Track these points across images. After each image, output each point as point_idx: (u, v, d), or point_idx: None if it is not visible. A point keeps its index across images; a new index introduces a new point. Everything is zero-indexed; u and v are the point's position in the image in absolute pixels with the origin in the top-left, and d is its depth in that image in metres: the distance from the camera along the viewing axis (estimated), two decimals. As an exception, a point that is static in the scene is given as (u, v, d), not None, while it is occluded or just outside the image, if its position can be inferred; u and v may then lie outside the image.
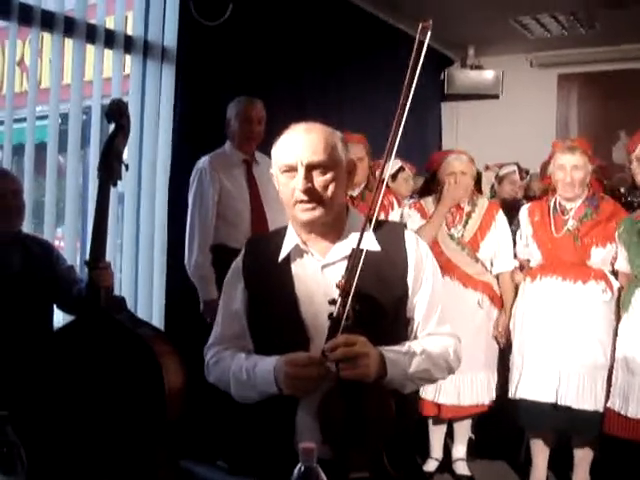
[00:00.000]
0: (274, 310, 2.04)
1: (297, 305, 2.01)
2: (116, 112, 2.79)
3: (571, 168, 3.67)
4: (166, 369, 2.59)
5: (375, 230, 2.03)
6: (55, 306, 3.25)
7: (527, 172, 5.52)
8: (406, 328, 2.09)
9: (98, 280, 2.72)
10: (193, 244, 3.99)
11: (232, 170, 4.09)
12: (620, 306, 3.58)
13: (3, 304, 2.92)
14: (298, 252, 2.05)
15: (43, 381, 2.65)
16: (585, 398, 3.58)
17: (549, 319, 3.66)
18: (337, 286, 1.83)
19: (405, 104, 1.91)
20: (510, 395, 3.76)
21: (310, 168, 1.93)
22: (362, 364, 1.80)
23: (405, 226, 2.26)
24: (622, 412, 3.43)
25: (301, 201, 1.94)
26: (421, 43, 1.94)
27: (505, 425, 4.08)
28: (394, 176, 4.98)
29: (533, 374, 3.67)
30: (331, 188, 1.95)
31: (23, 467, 1.65)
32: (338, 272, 1.92)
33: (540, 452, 3.84)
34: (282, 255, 2.05)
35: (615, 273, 3.70)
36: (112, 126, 2.79)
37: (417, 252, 2.07)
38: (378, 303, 1.94)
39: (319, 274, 2.01)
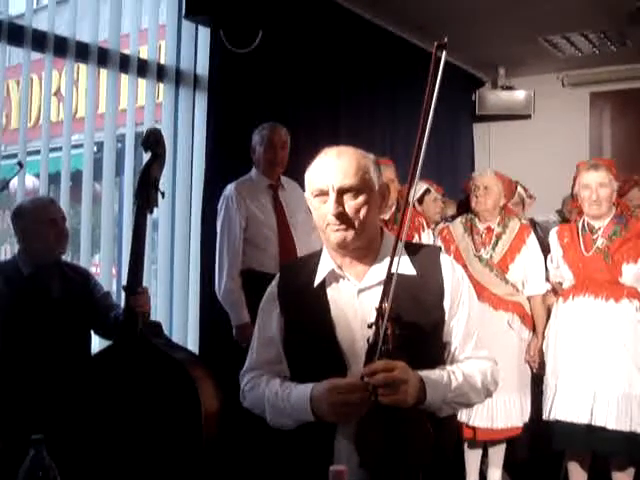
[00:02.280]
0: (310, 336, 2.03)
1: (334, 330, 1.99)
2: (152, 141, 2.86)
3: (596, 186, 3.67)
4: (202, 393, 2.61)
5: (410, 254, 2.03)
6: (92, 331, 3.30)
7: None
8: (443, 352, 2.07)
9: (136, 305, 2.77)
10: (222, 270, 4.02)
11: (258, 196, 4.12)
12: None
13: (43, 328, 2.97)
14: (333, 277, 2.04)
15: (81, 405, 2.68)
16: (620, 419, 3.53)
17: (582, 339, 3.63)
18: (377, 310, 1.82)
19: (425, 125, 1.90)
20: (544, 416, 3.72)
21: (341, 192, 1.93)
22: (401, 390, 1.79)
23: (440, 249, 2.25)
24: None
25: (333, 223, 1.95)
26: (438, 60, 1.91)
27: (542, 449, 4.03)
28: (421, 199, 4.97)
29: (567, 395, 3.63)
30: (363, 211, 1.95)
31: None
32: (374, 296, 1.92)
33: (578, 476, 3.78)
34: (317, 280, 2.05)
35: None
36: (148, 154, 2.84)
37: (453, 276, 2.06)
38: (416, 327, 1.91)
39: (355, 299, 2.00)
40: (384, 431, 1.82)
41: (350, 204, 1.94)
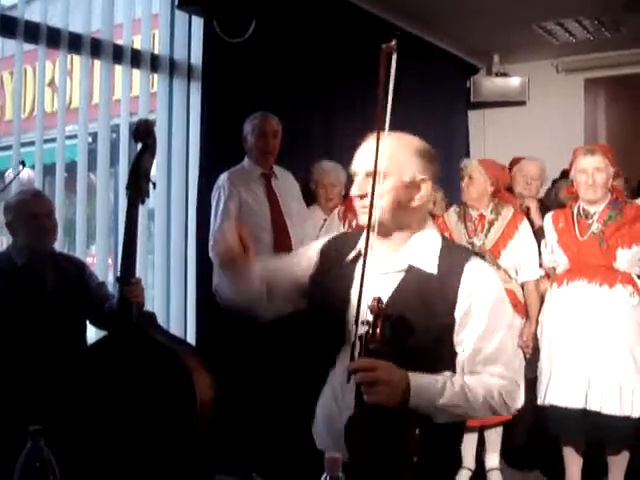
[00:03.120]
0: (324, 303, 2.06)
1: (346, 306, 1.99)
2: (142, 132, 2.87)
3: (593, 170, 3.68)
4: (198, 383, 2.63)
5: (443, 251, 2.00)
6: (88, 322, 3.32)
7: None
8: (453, 359, 2.00)
9: (130, 296, 2.79)
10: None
11: (251, 185, 4.15)
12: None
13: (38, 319, 2.99)
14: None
15: (77, 395, 2.70)
16: (615, 404, 3.55)
17: (576, 323, 3.65)
18: (369, 307, 1.78)
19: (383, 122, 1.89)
20: (539, 401, 3.74)
21: (368, 175, 1.93)
22: (380, 391, 1.75)
23: (473, 255, 2.10)
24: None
25: (358, 204, 2.01)
26: (389, 63, 1.94)
27: (539, 435, 4.06)
28: None
29: (562, 380, 3.65)
30: (387, 197, 1.96)
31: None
32: (392, 283, 1.94)
33: (573, 461, 3.81)
34: (352, 254, 2.08)
35: (641, 277, 3.68)
36: (139, 145, 2.86)
37: (472, 288, 1.96)
38: (418, 327, 1.88)
39: (373, 282, 1.94)
40: (371, 430, 1.79)
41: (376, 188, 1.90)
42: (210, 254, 3.97)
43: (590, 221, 3.74)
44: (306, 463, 2.03)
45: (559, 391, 3.66)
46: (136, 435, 2.58)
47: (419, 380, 1.85)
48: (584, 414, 3.60)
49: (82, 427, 2.63)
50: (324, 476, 1.47)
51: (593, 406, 3.57)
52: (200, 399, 2.60)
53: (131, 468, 2.55)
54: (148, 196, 2.91)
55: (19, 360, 2.92)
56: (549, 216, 3.95)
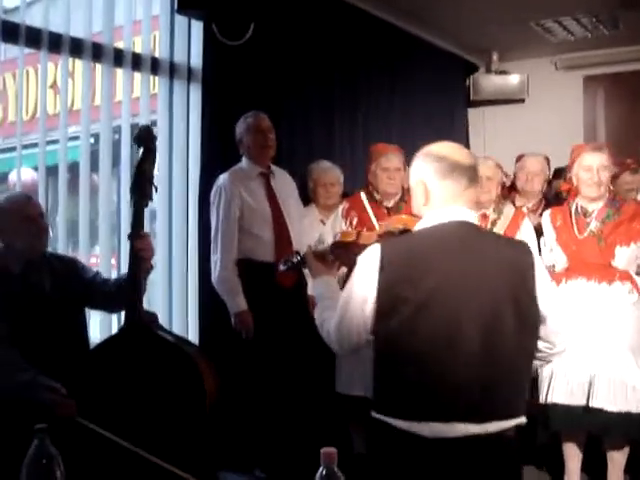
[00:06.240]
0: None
1: None
2: (144, 137, 2.90)
3: (598, 168, 3.68)
4: (206, 382, 2.69)
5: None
6: (92, 309, 3.36)
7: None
8: None
9: (139, 248, 2.89)
10: (217, 259, 4.05)
11: (251, 184, 4.16)
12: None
13: (39, 324, 2.96)
14: None
15: (83, 394, 2.74)
16: (617, 400, 3.56)
17: (577, 321, 3.65)
18: None
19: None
20: (541, 399, 3.75)
21: None
22: None
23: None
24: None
25: None
26: None
27: (536, 431, 4.07)
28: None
29: (564, 377, 3.66)
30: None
31: (63, 478, 1.73)
32: None
33: (573, 456, 3.82)
34: None
35: (640, 274, 3.71)
36: (140, 150, 2.89)
37: None
38: None
39: None
40: None
41: None
42: (213, 282, 4.07)
43: (589, 219, 3.74)
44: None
45: (562, 389, 3.67)
46: (144, 433, 2.62)
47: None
48: (586, 410, 3.61)
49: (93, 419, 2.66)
50: (320, 469, 1.50)
51: (596, 403, 3.58)
52: (209, 397, 2.65)
53: (139, 464, 2.59)
54: (152, 199, 2.95)
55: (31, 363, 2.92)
56: (547, 214, 3.95)
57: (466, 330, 2.05)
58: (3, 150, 3.88)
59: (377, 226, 2.90)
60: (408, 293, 2.04)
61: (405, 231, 2.40)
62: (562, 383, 3.67)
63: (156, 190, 2.97)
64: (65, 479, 1.74)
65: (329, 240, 3.27)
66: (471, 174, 2.22)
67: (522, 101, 7.43)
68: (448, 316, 2.05)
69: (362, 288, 2.12)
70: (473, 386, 2.06)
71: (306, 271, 2.67)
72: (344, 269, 2.92)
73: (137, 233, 2.90)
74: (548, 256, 3.92)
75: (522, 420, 2.16)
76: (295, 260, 2.60)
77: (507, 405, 2.13)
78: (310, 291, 2.46)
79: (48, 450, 1.71)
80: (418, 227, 2.24)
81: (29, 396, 2.73)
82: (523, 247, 2.32)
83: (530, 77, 7.32)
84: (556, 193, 5.04)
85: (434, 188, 2.20)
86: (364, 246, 2.37)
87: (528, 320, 2.15)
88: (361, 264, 2.16)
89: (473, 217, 2.26)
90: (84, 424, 2.44)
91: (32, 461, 1.69)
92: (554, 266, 3.89)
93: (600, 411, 3.58)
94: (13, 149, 4.08)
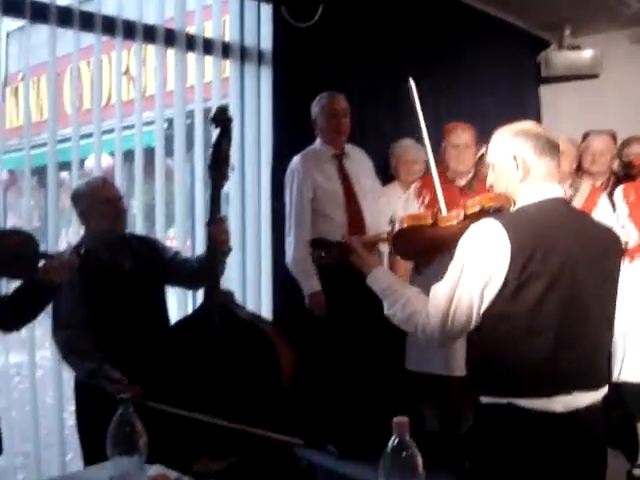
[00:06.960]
0: None
1: None
2: (221, 117, 2.96)
3: None
4: (282, 357, 2.75)
5: None
6: (173, 286, 3.49)
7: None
8: None
9: (215, 233, 2.97)
10: (292, 241, 4.10)
11: (324, 166, 4.18)
12: None
13: (120, 303, 3.08)
14: None
15: (162, 370, 2.82)
16: None
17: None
18: None
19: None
20: (614, 378, 3.70)
21: None
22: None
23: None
24: None
25: None
26: None
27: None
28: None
29: (636, 355, 3.61)
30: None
31: (145, 448, 1.81)
32: None
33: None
34: None
35: None
36: (217, 131, 2.95)
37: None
38: None
39: None
40: None
41: None
42: (287, 263, 4.13)
43: (663, 195, 3.68)
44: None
45: (634, 367, 3.63)
46: (222, 407, 2.69)
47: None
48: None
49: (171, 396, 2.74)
50: (392, 439, 1.51)
51: None
52: (285, 370, 2.71)
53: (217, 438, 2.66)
54: (228, 179, 3.02)
55: (114, 340, 3.03)
56: (619, 190, 3.89)
57: (587, 301, 2.10)
58: (80, 137, 3.98)
59: (443, 207, 2.84)
60: (539, 268, 2.03)
61: (498, 210, 2.33)
62: (635, 361, 3.62)
63: (232, 169, 3.03)
64: (147, 451, 1.81)
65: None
66: (558, 152, 2.23)
67: (596, 76, 7.25)
68: (575, 288, 2.08)
69: (486, 267, 2.05)
70: (593, 353, 2.13)
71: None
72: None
73: (214, 218, 2.98)
74: (620, 232, 3.85)
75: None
76: (331, 252, 2.61)
77: (604, 372, 2.23)
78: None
79: (131, 419, 1.78)
80: (521, 203, 2.20)
81: (94, 384, 2.85)
82: (614, 234, 2.35)
83: (604, 51, 7.14)
84: (625, 164, 4.91)
85: (533, 164, 2.18)
86: (444, 229, 2.37)
87: (613, 296, 2.26)
88: (479, 243, 2.08)
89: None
90: (151, 406, 2.49)
91: (115, 430, 1.78)
92: (627, 243, 3.82)
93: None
94: (89, 136, 4.17)
